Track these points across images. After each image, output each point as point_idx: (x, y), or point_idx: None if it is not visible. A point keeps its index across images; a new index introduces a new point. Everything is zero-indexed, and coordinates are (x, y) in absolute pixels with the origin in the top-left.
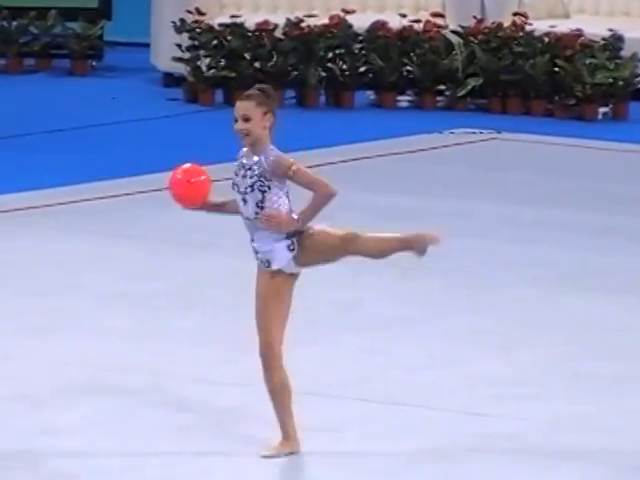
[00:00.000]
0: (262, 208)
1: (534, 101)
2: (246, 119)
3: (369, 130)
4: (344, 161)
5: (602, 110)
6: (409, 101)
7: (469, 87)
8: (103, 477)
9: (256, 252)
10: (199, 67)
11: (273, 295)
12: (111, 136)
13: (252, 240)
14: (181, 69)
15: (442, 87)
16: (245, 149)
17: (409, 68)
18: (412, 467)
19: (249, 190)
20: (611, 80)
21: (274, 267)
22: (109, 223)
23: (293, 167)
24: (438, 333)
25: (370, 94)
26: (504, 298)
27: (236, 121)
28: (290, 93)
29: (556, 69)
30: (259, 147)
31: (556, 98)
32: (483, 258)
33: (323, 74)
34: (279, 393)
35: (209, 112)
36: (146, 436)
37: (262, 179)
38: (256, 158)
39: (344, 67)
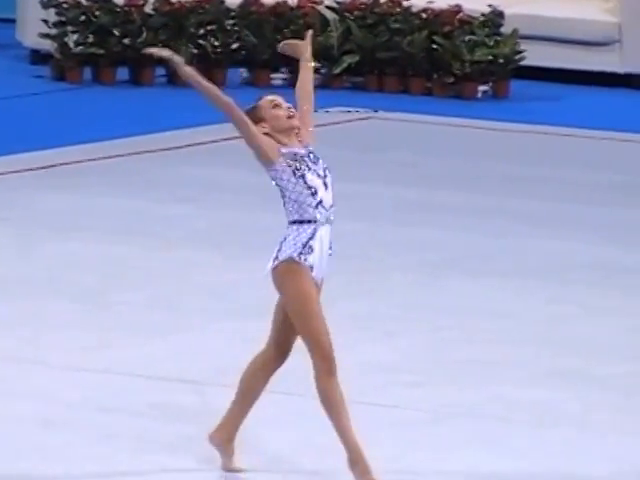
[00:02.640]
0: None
1: (412, 79)
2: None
3: (242, 108)
4: (217, 140)
5: (482, 88)
6: (283, 79)
7: (345, 65)
8: None
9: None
10: (66, 44)
11: None
12: None
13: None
14: (48, 46)
15: (317, 65)
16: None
17: None
18: (292, 457)
19: (328, 173)
20: (491, 57)
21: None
22: None
23: None
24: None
25: (243, 72)
26: (388, 282)
27: (287, 108)
28: (160, 71)
29: (434, 46)
30: (297, 138)
31: (434, 76)
32: (366, 241)
33: (194, 51)
34: (342, 402)
35: (77, 90)
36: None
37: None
38: (307, 148)
39: (216, 44)
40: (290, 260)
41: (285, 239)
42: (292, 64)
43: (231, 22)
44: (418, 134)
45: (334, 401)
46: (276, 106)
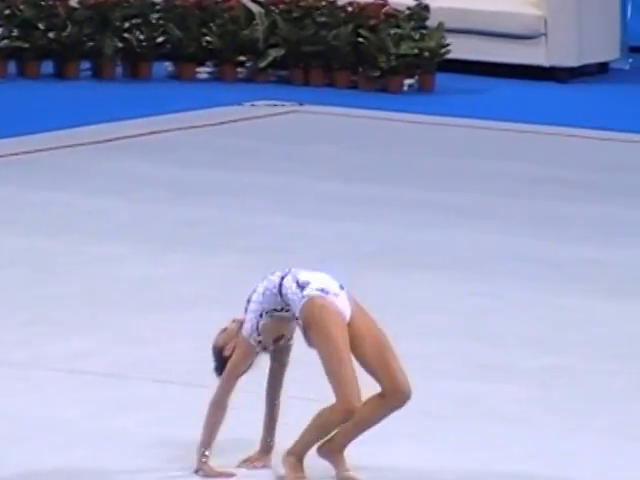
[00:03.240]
0: None
1: (338, 72)
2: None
3: (168, 102)
4: (144, 134)
5: (407, 82)
6: (209, 72)
7: (270, 58)
8: None
9: None
10: None
11: None
12: None
13: None
14: None
15: (243, 58)
16: None
17: (208, 39)
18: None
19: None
20: (416, 51)
21: None
22: None
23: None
24: (240, 311)
25: (168, 65)
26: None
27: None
28: (85, 64)
29: (360, 40)
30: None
31: (360, 69)
32: (289, 235)
33: (119, 44)
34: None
35: (1, 84)
36: None
37: None
38: None
39: (141, 37)
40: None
41: None
42: (218, 57)
43: (156, 16)
44: (343, 127)
45: (326, 431)
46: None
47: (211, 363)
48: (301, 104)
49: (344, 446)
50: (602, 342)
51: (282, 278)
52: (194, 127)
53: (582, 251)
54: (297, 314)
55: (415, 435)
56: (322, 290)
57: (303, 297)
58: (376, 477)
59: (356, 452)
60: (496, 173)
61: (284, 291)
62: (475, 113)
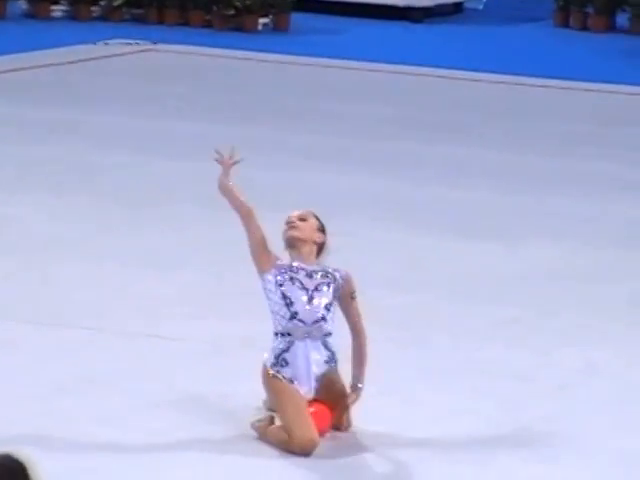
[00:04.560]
0: (330, 311)
1: (192, 12)
2: (302, 219)
3: (22, 41)
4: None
5: (262, 21)
6: (63, 11)
7: None
8: None
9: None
10: None
11: None
12: None
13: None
14: None
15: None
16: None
17: None
18: (76, 386)
19: (325, 289)
20: None
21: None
22: None
23: (356, 293)
24: (102, 253)
25: (22, 3)
26: (164, 215)
27: (290, 222)
28: None
29: None
30: (303, 253)
31: (214, 8)
32: (140, 175)
33: None
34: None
35: None
36: None
37: (334, 286)
38: (316, 266)
39: None
40: (265, 367)
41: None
42: None
43: None
44: (197, 67)
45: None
46: (286, 222)
47: (72, 302)
48: (155, 43)
49: (261, 436)
50: (458, 281)
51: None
52: (47, 66)
53: (436, 192)
54: None
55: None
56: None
57: None
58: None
59: (210, 388)
60: (348, 113)
61: None
62: (330, 53)
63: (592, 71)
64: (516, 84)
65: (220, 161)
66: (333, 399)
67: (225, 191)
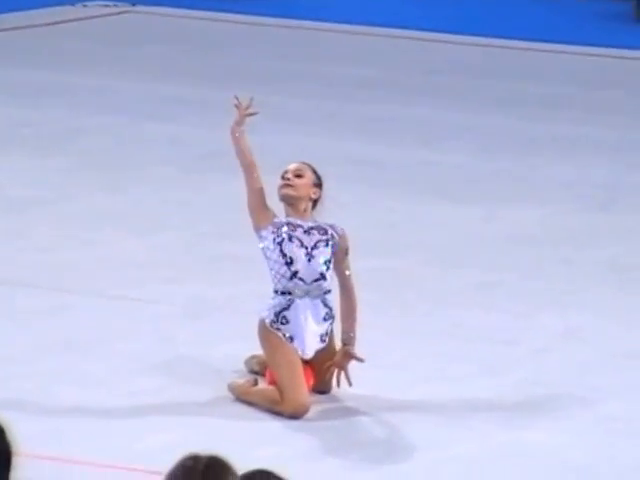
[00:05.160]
0: (329, 268)
1: None
2: (298, 175)
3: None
4: None
5: None
6: None
7: None
8: None
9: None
10: None
11: None
12: None
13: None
14: None
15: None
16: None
17: None
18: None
19: (323, 247)
20: None
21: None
22: None
23: (349, 249)
24: (73, 214)
25: None
26: (143, 178)
27: (285, 178)
28: None
29: None
30: (298, 209)
31: None
32: (121, 137)
33: None
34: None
35: None
36: None
37: (332, 242)
38: (312, 222)
39: None
40: (264, 323)
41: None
42: None
43: None
44: (176, 29)
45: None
46: (282, 176)
47: (48, 263)
48: (133, 4)
49: (241, 396)
50: (437, 244)
51: None
52: (25, 27)
53: (411, 154)
54: None
55: (250, 335)
56: None
57: None
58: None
59: (186, 351)
60: (326, 75)
61: None
62: (309, 15)
63: (574, 34)
64: (497, 47)
65: (237, 106)
66: (322, 360)
67: (234, 137)
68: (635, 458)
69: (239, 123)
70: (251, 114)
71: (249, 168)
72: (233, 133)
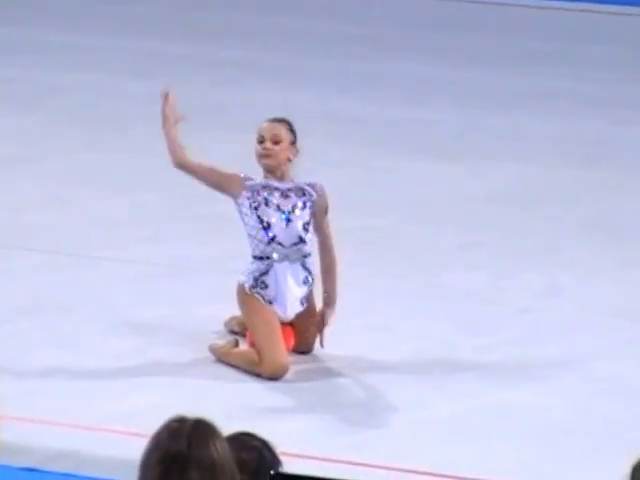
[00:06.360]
0: (308, 231)
1: None
2: (276, 142)
3: None
4: None
5: None
6: None
7: None
8: None
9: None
10: None
11: None
12: None
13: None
14: None
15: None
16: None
17: None
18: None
19: (300, 211)
20: None
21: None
22: None
23: (328, 208)
24: (58, 174)
25: None
26: (124, 135)
27: (261, 142)
28: None
29: None
30: (276, 174)
31: None
32: (96, 94)
33: None
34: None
35: None
36: None
37: (310, 203)
38: (290, 184)
39: None
40: (243, 287)
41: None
42: None
43: None
44: None
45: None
46: (259, 141)
47: (26, 224)
48: None
49: (222, 357)
50: (419, 203)
51: None
52: None
53: (397, 111)
54: None
55: (231, 296)
56: None
57: None
58: None
59: (166, 312)
60: (314, 31)
61: None
62: None
63: None
64: (482, 3)
65: (164, 105)
66: (302, 321)
67: (165, 133)
68: (620, 419)
69: (166, 119)
70: (177, 119)
71: (186, 165)
72: (165, 130)
